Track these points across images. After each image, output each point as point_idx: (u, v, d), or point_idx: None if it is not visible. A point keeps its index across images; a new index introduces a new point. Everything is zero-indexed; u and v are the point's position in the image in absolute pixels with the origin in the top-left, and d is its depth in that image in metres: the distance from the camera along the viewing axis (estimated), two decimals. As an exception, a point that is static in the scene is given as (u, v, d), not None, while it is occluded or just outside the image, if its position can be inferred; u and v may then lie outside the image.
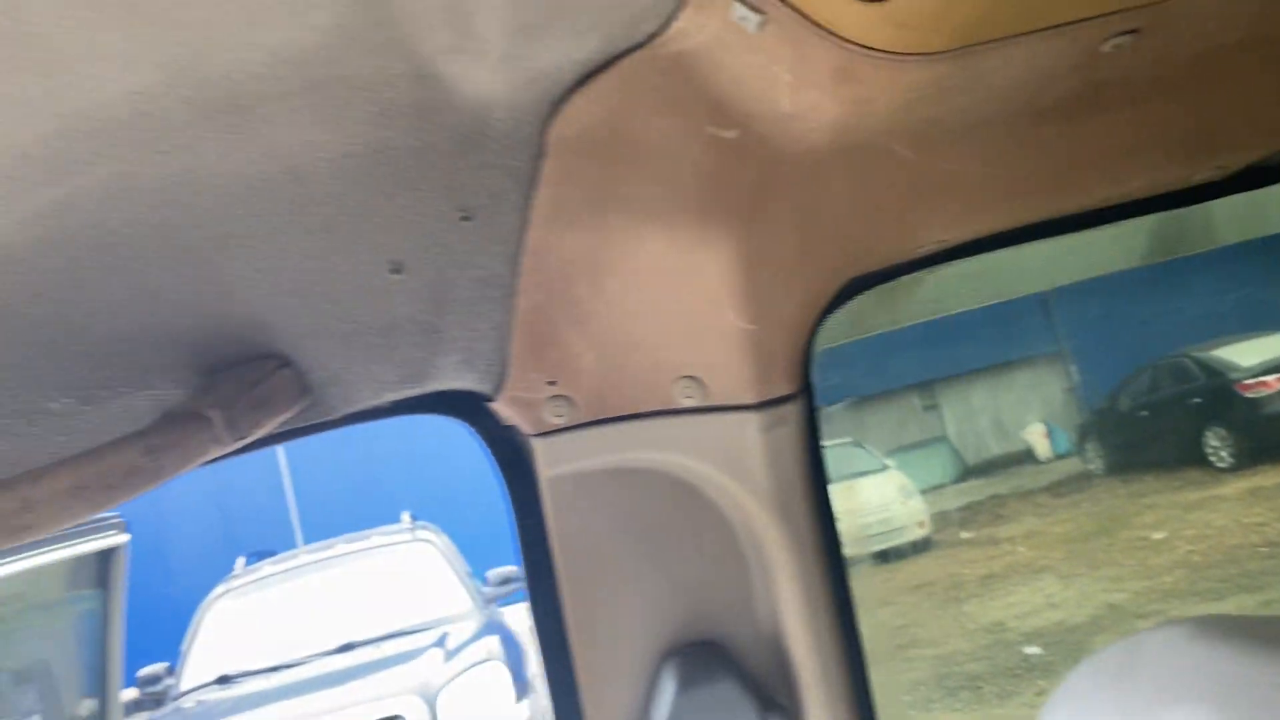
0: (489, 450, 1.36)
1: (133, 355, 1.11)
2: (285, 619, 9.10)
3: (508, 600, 9.78)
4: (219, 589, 9.79)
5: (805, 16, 0.90)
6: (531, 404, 1.25)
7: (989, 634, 10.57)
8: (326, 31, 0.88)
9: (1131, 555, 11.75)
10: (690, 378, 1.25)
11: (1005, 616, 10.86)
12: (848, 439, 15.74)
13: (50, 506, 0.97)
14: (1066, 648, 9.50)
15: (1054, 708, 0.94)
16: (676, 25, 0.95)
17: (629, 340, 1.23)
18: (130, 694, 9.01)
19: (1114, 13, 0.93)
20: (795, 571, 1.30)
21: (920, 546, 14.34)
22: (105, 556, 5.48)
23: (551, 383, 1.24)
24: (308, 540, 15.17)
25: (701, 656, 1.32)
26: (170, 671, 9.26)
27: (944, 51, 0.92)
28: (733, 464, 1.28)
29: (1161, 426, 15.45)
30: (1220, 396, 14.50)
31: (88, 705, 5.78)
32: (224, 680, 8.54)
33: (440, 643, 8.14)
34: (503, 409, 1.28)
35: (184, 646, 9.19)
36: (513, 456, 1.36)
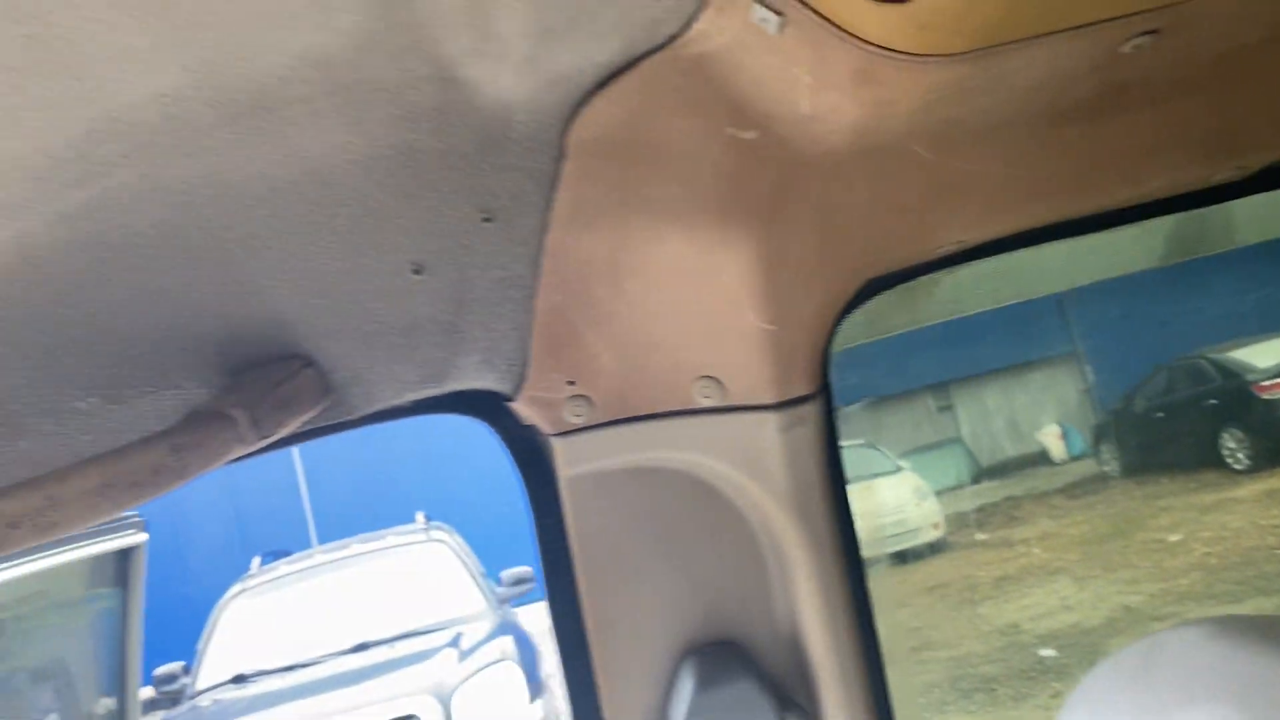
0: (508, 450, 1.37)
1: (158, 355, 1.12)
2: (300, 619, 9.12)
3: (521, 601, 9.80)
4: (235, 588, 9.82)
5: (825, 18, 0.91)
6: (551, 404, 1.26)
7: (1003, 636, 10.52)
8: (350, 35, 0.89)
9: (1147, 557, 11.68)
10: (709, 378, 1.25)
11: (1020, 618, 10.81)
12: (861, 440, 15.69)
13: (77, 505, 0.98)
14: (1081, 650, 9.46)
15: (1072, 708, 0.94)
16: (696, 27, 0.96)
17: (648, 340, 1.23)
18: (146, 693, 9.06)
19: (1135, 13, 0.93)
20: (814, 571, 1.30)
21: (934, 548, 14.29)
22: (124, 555, 5.51)
23: (571, 383, 1.25)
24: (322, 540, 15.23)
25: (720, 656, 1.33)
26: (186, 670, 9.31)
27: (965, 52, 0.92)
28: (751, 464, 1.28)
29: (1177, 428, 15.36)
30: (1237, 398, 14.40)
31: (105, 704, 5.81)
32: (239, 680, 8.57)
33: (454, 643, 8.15)
34: (522, 409, 1.28)
35: (200, 646, 9.23)
36: (532, 456, 1.36)
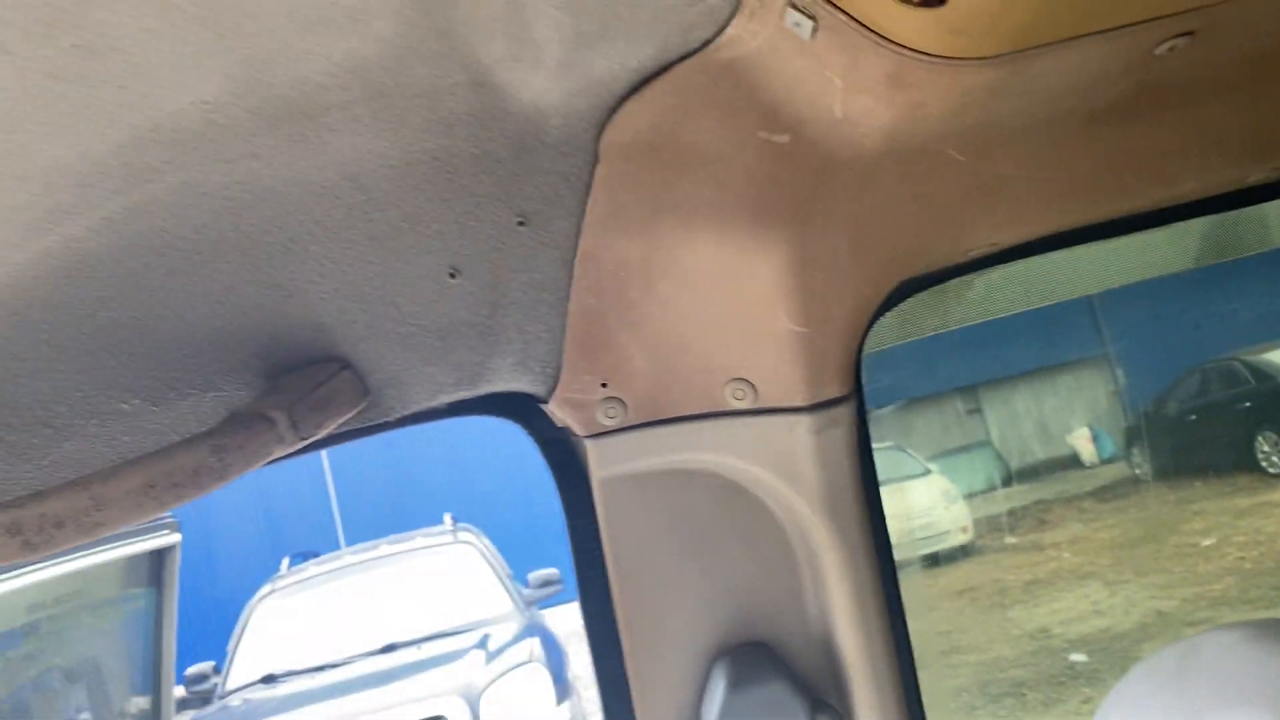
0: (542, 452, 1.38)
1: (200, 358, 1.13)
2: (329, 619, 9.18)
3: (548, 603, 9.82)
4: (265, 589, 9.90)
5: (859, 23, 0.91)
6: (584, 406, 1.27)
7: (1033, 640, 10.42)
8: (389, 42, 0.90)
9: (1180, 562, 11.54)
10: (741, 380, 1.25)
11: (1050, 623, 10.70)
12: (889, 443, 15.60)
13: (121, 504, 1.00)
14: (1113, 655, 9.35)
15: (1106, 712, 0.94)
16: (729, 32, 0.96)
17: (681, 343, 1.24)
18: (178, 692, 9.13)
19: (1168, 16, 0.93)
20: (846, 573, 1.30)
21: (963, 551, 14.18)
22: (158, 555, 5.56)
23: (604, 385, 1.26)
24: (350, 542, 15.32)
25: (752, 657, 1.33)
26: (216, 670, 9.39)
27: (997, 56, 0.92)
28: (783, 466, 1.28)
29: (1211, 431, 15.15)
30: (1272, 400, 14.21)
31: (137, 703, 5.86)
32: (269, 680, 8.64)
33: (482, 644, 8.18)
34: (556, 411, 1.29)
35: (230, 646, 9.30)
36: (565, 458, 1.37)
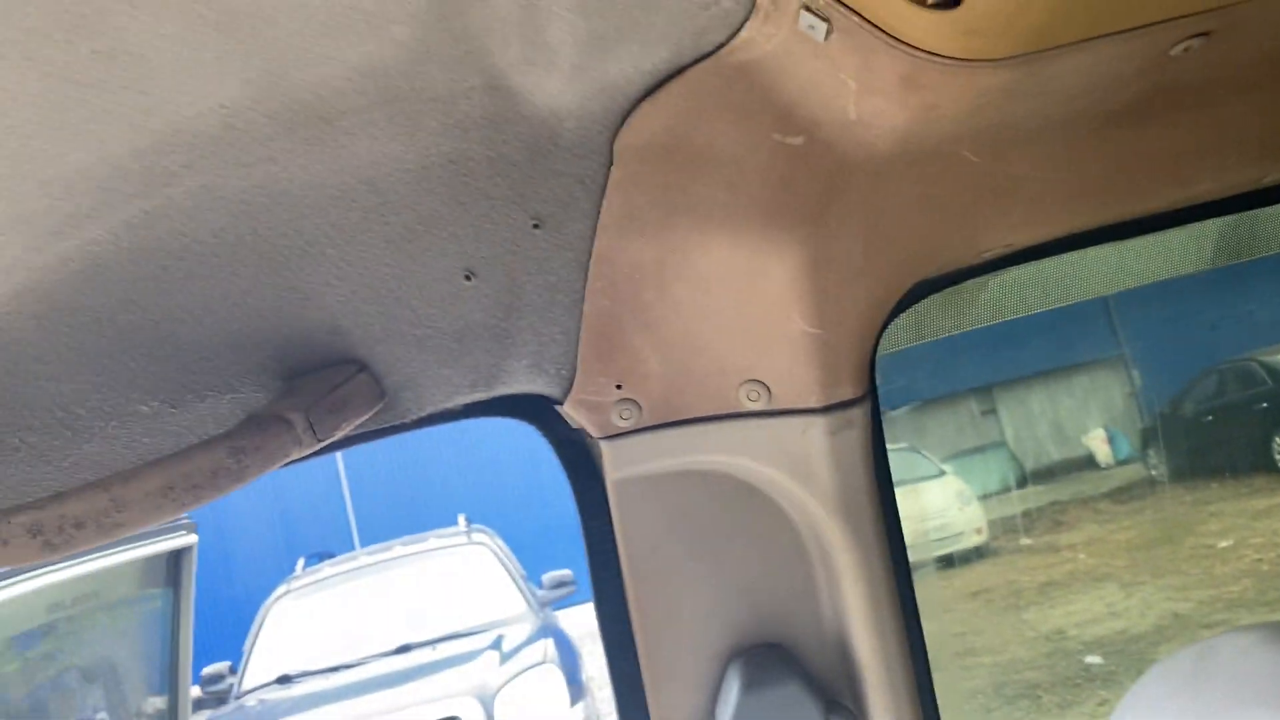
0: (557, 453, 1.38)
1: (218, 360, 1.14)
2: (344, 620, 9.22)
3: (561, 604, 9.83)
4: (280, 589, 9.94)
5: (873, 25, 0.91)
6: (599, 407, 1.27)
7: (1049, 642, 10.37)
8: (405, 46, 0.91)
9: (1196, 563, 11.47)
10: (756, 381, 1.25)
11: (1065, 625, 10.66)
12: (903, 444, 15.55)
13: (141, 506, 1.01)
14: (1129, 657, 9.30)
15: (1124, 713, 0.93)
16: (743, 35, 0.97)
17: (695, 344, 1.24)
18: (193, 692, 9.18)
19: (1184, 16, 0.93)
20: (860, 574, 1.30)
21: (978, 553, 14.13)
22: (175, 556, 5.59)
23: (619, 386, 1.26)
24: (364, 543, 15.38)
25: (766, 658, 1.33)
26: (232, 671, 9.43)
27: (1011, 57, 0.92)
28: (798, 467, 1.28)
29: (1228, 432, 15.06)
30: (1290, 401, 14.13)
31: (153, 703, 5.89)
32: (284, 680, 8.67)
33: (496, 645, 8.20)
34: (571, 412, 1.30)
35: (246, 646, 9.35)
36: (580, 459, 1.38)
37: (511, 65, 0.96)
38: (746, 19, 0.95)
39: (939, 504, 14.25)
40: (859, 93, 1.00)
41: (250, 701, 8.58)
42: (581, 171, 1.09)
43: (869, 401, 1.31)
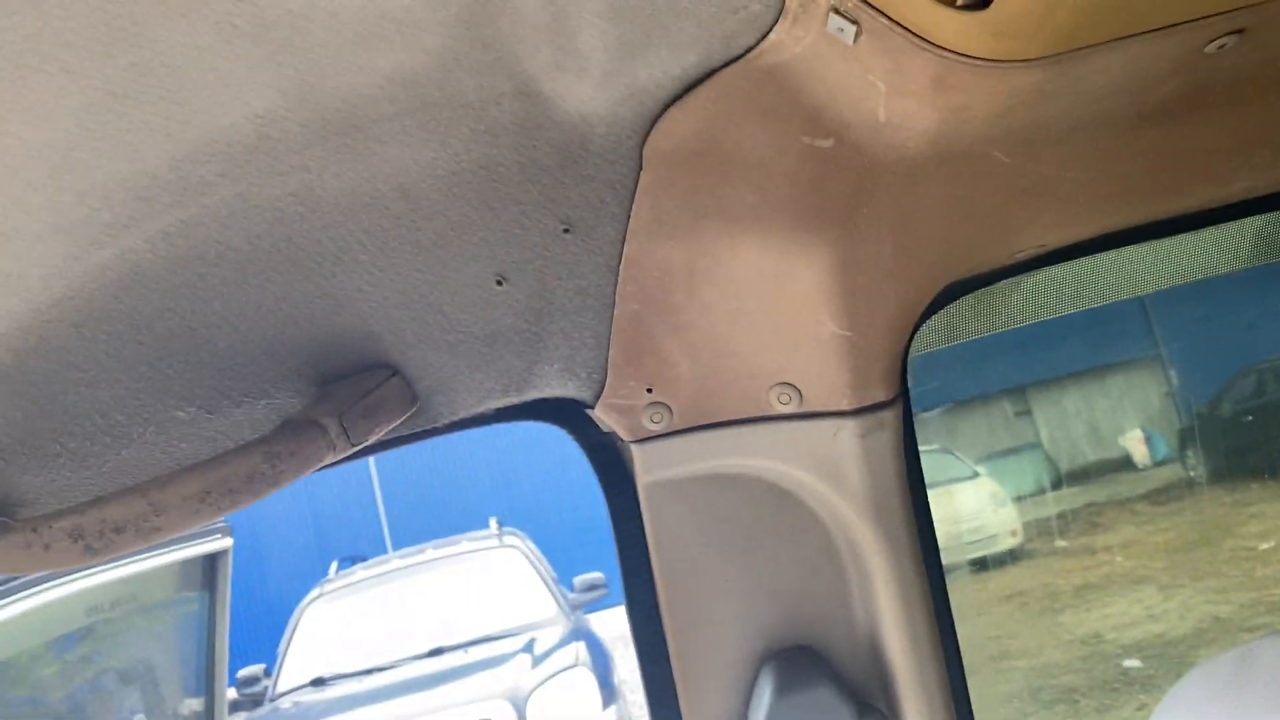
0: (589, 457, 1.39)
1: (253, 366, 1.16)
2: (377, 623, 9.27)
3: (593, 607, 9.84)
4: (314, 592, 10.01)
5: (902, 27, 0.91)
6: (630, 411, 1.27)
7: (1085, 646, 10.26)
8: (437, 54, 0.91)
9: (1236, 566, 11.30)
10: (786, 384, 1.25)
11: (1102, 628, 10.53)
12: (936, 446, 15.44)
13: (178, 510, 1.02)
14: (1168, 661, 9.18)
15: (1163, 716, 0.93)
16: (772, 39, 0.97)
17: (725, 347, 1.24)
18: (229, 694, 9.27)
19: (1218, 14, 0.92)
20: (892, 577, 1.29)
21: (1013, 555, 14.00)
22: (211, 560, 5.65)
23: (649, 390, 1.26)
24: (396, 546, 15.45)
25: (798, 661, 1.32)
26: (267, 673, 9.51)
27: (1043, 58, 0.92)
28: (829, 470, 1.28)
29: (1268, 432, 14.83)
30: (1332, 400, 13.89)
31: (190, 704, 5.95)
32: (319, 682, 8.73)
33: (528, 648, 8.22)
34: (602, 416, 1.30)
35: (280, 649, 9.43)
36: (611, 463, 1.38)
37: (542, 71, 0.97)
38: (775, 22, 0.95)
39: (973, 506, 14.13)
40: (888, 95, 0.99)
41: (285, 704, 8.65)
42: (612, 176, 1.09)
43: (900, 403, 1.30)
